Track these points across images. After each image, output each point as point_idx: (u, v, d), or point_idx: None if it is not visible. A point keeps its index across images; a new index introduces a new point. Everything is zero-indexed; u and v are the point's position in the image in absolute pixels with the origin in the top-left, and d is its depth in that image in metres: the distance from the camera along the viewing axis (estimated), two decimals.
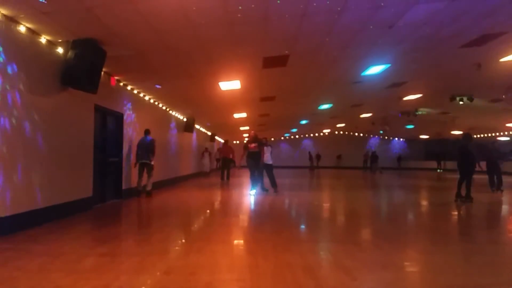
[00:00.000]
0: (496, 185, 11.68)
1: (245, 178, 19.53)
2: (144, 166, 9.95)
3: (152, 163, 9.93)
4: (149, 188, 10.11)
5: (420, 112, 17.85)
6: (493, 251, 4.57)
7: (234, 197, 10.61)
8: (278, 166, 34.53)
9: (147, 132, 10.16)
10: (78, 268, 3.68)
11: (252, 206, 8.70)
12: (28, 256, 4.12)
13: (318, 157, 34.66)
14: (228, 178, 16.80)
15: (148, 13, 5.23)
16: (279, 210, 8.32)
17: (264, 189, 11.25)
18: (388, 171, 29.58)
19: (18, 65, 5.38)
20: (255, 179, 11.02)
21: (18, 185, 5.38)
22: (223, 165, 17.09)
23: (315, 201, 9.86)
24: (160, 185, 12.69)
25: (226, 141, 17.88)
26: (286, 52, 7.46)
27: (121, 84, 9.48)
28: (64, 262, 3.89)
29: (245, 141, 11.64)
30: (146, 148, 9.84)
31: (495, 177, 11.78)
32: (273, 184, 11.25)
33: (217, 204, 9.41)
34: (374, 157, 28.13)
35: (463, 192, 9.18)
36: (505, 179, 12.56)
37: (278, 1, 5.06)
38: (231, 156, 16.94)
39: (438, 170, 29.78)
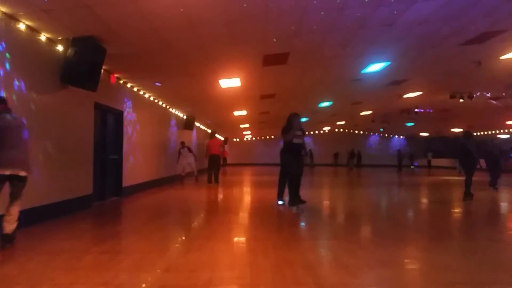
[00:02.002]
0: (491, 183, 11.68)
1: (236, 177, 19.51)
2: (11, 181, 4.41)
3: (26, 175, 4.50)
4: (10, 228, 4.37)
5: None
6: (493, 248, 4.57)
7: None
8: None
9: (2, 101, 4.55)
10: (78, 265, 3.69)
11: (253, 204, 8.71)
12: (28, 254, 4.13)
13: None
14: (216, 179, 13.55)
15: (148, 11, 5.22)
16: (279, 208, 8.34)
17: (297, 201, 7.52)
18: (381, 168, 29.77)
19: (17, 63, 5.37)
20: (284, 184, 7.90)
21: None
22: (210, 164, 13.62)
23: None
24: (160, 183, 12.71)
25: (213, 133, 14.69)
26: (277, 44, 7.45)
27: (121, 81, 9.47)
28: (64, 259, 3.90)
29: (291, 123, 7.55)
30: (20, 142, 4.47)
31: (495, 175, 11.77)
32: (297, 194, 7.66)
33: (219, 202, 9.42)
34: (353, 154, 30.90)
35: (473, 190, 9.16)
36: (505, 177, 12.56)
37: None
38: (219, 152, 13.73)
39: (411, 167, 32.61)
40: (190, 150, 14.60)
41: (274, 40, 6.81)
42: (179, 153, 14.51)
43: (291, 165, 7.54)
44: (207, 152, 13.62)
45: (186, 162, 14.48)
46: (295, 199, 7.48)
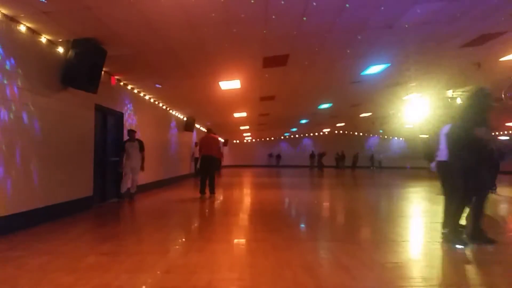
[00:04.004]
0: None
1: (236, 178, 19.44)
2: None
3: None
4: None
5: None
6: (493, 250, 4.57)
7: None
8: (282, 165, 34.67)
9: None
10: (78, 267, 3.70)
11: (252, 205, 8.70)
12: (29, 255, 4.13)
13: (279, 157, 36.21)
14: (213, 190, 10.02)
15: (148, 12, 5.24)
16: (280, 208, 8.33)
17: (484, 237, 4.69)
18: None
19: (18, 65, 5.39)
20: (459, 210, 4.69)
21: (18, 184, 5.39)
22: (203, 168, 10.00)
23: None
24: (161, 185, 12.70)
25: (209, 130, 10.57)
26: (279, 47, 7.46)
27: (121, 83, 9.49)
28: (65, 261, 3.91)
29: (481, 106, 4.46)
30: None
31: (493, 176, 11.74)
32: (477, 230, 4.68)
33: (218, 204, 9.42)
34: (342, 156, 32.76)
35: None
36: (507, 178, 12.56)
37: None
38: (216, 154, 10.20)
39: (371, 168, 34.42)
40: (141, 147, 9.15)
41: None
42: (123, 149, 8.94)
43: (483, 179, 4.52)
44: (200, 151, 10.25)
45: (130, 166, 8.99)
46: (481, 234, 4.68)
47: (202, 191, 9.93)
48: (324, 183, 16.97)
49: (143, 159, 9.27)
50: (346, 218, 7.36)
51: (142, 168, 9.30)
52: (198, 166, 13.21)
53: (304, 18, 5.77)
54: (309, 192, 12.29)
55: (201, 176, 10.15)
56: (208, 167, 9.96)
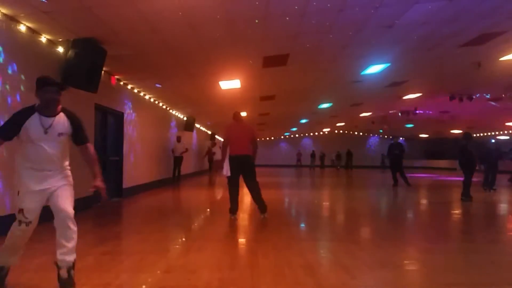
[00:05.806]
0: (489, 184, 11.65)
1: None
2: None
3: None
4: None
5: None
6: (492, 250, 4.58)
7: None
8: (276, 165, 34.65)
9: None
10: (78, 266, 3.67)
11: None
12: (28, 255, 4.12)
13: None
14: (263, 207, 6.45)
15: (148, 12, 5.24)
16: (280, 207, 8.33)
17: None
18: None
19: (18, 64, 5.38)
20: None
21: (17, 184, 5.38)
22: (236, 175, 6.44)
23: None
24: (161, 185, 12.70)
25: (236, 116, 7.46)
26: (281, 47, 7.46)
27: (122, 83, 9.48)
28: None
29: None
30: None
31: (489, 176, 11.76)
32: None
33: (219, 203, 9.42)
34: (348, 154, 32.68)
35: (471, 191, 9.16)
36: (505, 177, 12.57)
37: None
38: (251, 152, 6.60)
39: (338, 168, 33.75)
40: (82, 134, 3.39)
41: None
42: (9, 132, 3.21)
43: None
44: (224, 148, 6.62)
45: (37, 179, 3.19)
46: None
47: (234, 210, 6.44)
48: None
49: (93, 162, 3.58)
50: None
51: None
52: (177, 168, 13.72)
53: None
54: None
55: (231, 187, 6.54)
56: (242, 173, 6.46)
